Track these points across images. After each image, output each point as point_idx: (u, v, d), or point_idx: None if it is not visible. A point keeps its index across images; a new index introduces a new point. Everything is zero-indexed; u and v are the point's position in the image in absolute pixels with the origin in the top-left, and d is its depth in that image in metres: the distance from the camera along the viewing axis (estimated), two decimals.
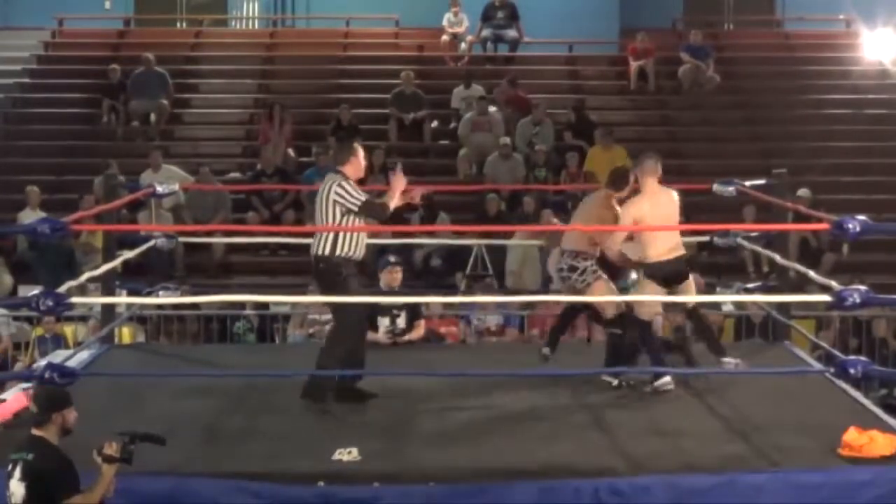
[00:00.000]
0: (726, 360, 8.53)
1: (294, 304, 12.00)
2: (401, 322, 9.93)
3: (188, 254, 14.99)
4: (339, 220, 7.98)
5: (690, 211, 15.53)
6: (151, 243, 10.27)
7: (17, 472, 5.79)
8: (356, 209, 7.95)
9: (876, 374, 7.36)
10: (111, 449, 5.76)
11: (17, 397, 7.71)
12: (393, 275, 10.16)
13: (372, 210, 8.05)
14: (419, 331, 10.09)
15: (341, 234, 7.97)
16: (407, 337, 9.92)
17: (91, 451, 5.81)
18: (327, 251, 7.98)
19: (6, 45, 20.43)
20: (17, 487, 5.77)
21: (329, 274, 8.02)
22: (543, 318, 11.92)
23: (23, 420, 7.08)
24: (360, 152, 8.20)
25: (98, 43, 20.65)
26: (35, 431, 5.92)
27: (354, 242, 8.01)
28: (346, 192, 7.94)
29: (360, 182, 8.25)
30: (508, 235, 13.48)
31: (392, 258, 10.27)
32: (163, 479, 6.52)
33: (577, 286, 8.51)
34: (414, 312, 10.01)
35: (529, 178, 16.49)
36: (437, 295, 11.72)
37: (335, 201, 7.97)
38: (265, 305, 12.09)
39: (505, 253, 14.60)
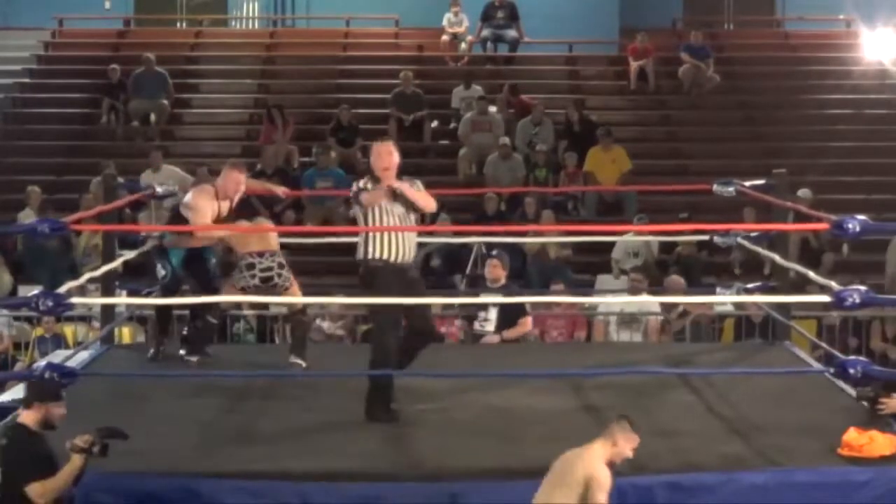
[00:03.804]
0: (296, 360, 8.71)
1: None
2: (490, 320, 9.93)
3: None
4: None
5: (692, 211, 15.62)
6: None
7: None
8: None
9: (876, 374, 7.34)
10: (82, 441, 5.93)
11: None
12: (491, 269, 10.26)
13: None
14: (521, 328, 10.04)
15: None
16: (506, 334, 9.93)
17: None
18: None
19: (6, 45, 20.45)
20: None
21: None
22: (543, 318, 11.90)
23: None
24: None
25: (98, 43, 20.67)
26: (19, 418, 6.17)
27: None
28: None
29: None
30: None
31: (493, 251, 10.32)
32: (163, 479, 6.52)
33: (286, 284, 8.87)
34: (514, 311, 9.96)
35: (529, 178, 16.49)
36: (438, 296, 11.67)
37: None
38: (265, 306, 12.06)
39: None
